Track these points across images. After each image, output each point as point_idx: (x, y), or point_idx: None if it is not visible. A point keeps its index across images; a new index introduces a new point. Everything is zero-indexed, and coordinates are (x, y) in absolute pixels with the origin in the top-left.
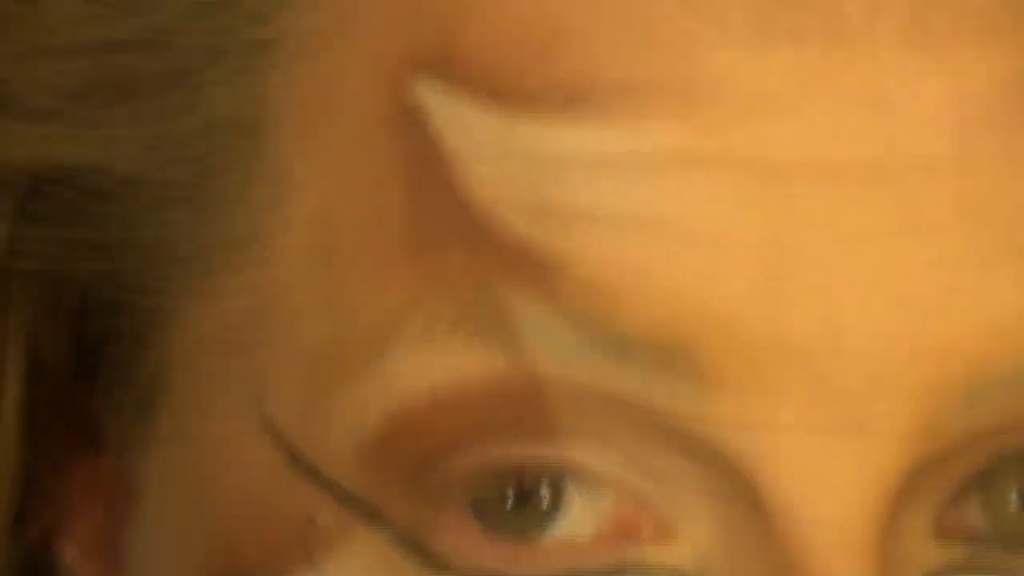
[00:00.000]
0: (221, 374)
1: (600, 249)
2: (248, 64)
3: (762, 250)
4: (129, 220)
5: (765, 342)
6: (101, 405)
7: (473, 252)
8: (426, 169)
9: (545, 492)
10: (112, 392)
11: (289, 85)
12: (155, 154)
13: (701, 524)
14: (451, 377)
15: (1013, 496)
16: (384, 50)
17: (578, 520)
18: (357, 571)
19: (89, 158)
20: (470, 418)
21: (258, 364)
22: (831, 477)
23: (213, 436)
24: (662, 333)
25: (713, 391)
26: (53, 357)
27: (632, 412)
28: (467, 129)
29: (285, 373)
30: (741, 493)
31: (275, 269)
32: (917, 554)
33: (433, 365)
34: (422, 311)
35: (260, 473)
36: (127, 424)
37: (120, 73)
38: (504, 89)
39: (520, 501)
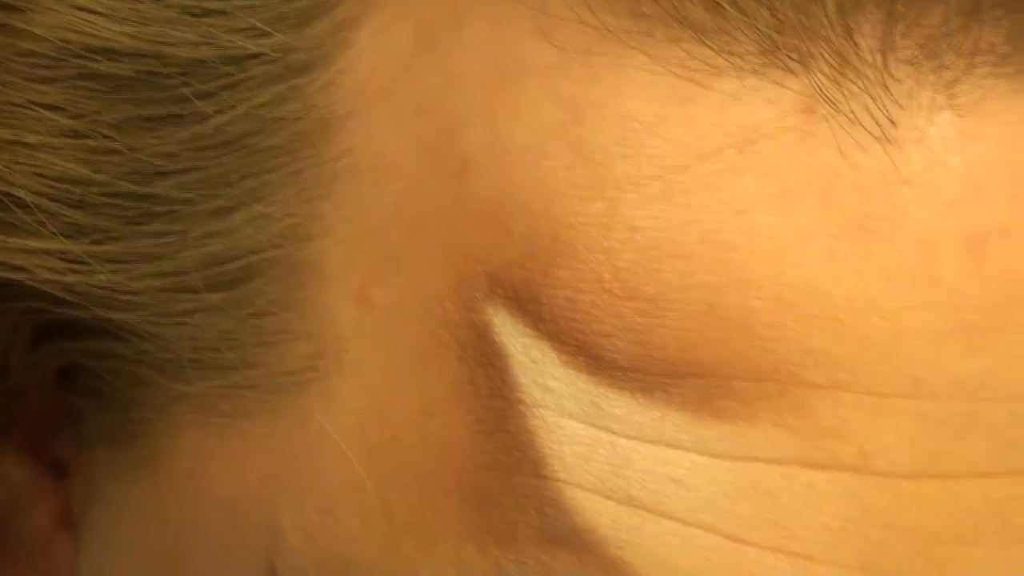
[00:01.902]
0: (231, 501)
1: (683, 561)
2: (304, 183)
3: (854, 572)
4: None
5: None
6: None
7: (542, 538)
8: (495, 410)
9: None
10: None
11: (349, 229)
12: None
13: None
14: None
15: None
16: (464, 249)
17: None
18: None
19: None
20: None
21: (279, 522)
22: None
23: (207, 546)
24: None
25: None
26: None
27: None
28: (547, 382)
29: (306, 552)
30: None
31: (311, 443)
32: None
33: None
34: (476, 574)
35: None
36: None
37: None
38: (595, 347)
39: None
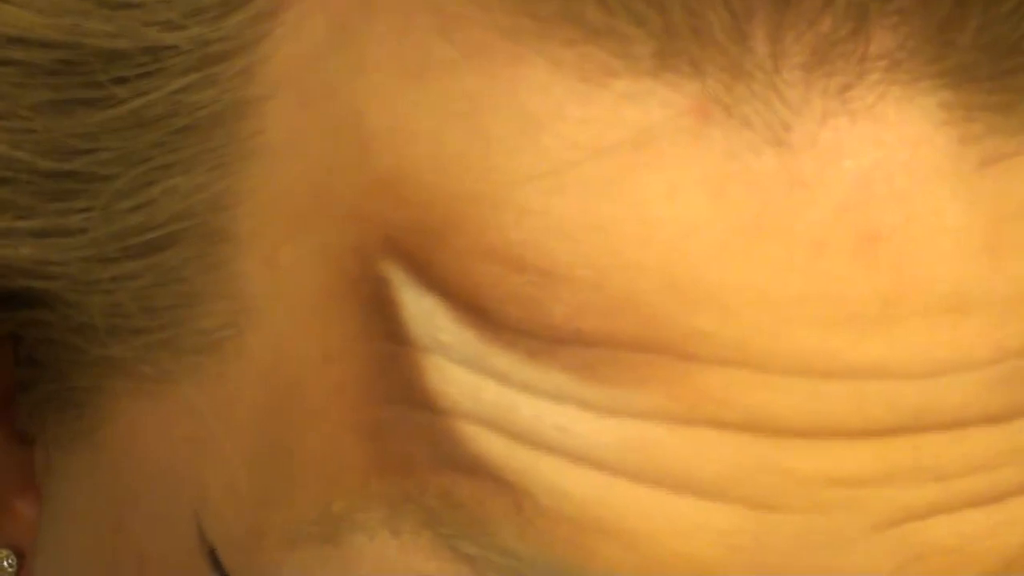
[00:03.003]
0: (159, 466)
1: (575, 491)
2: (219, 159)
3: (747, 508)
4: (71, 312)
5: None
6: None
7: (443, 468)
8: (388, 354)
9: None
10: (40, 414)
11: (260, 200)
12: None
13: None
14: (414, 575)
15: None
16: (365, 212)
17: None
18: None
19: (30, 256)
20: None
21: (202, 481)
22: None
23: (141, 512)
24: None
25: None
26: None
27: None
28: (437, 333)
29: (229, 505)
30: None
31: (230, 397)
32: None
33: (395, 561)
34: (384, 508)
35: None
36: (51, 440)
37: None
38: (484, 309)
39: None
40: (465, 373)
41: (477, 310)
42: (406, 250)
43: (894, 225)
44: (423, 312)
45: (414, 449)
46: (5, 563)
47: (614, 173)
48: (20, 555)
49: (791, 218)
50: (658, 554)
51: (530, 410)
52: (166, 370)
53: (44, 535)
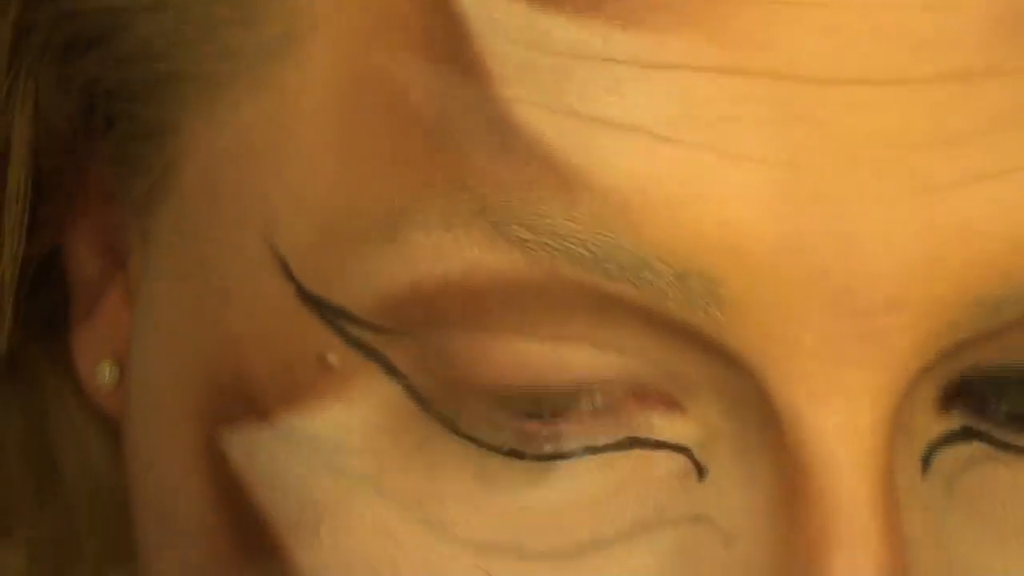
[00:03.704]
0: (232, 193)
1: (622, 162)
2: None
3: (783, 169)
4: (139, 32)
5: (784, 267)
6: (111, 181)
7: (496, 153)
8: (448, 48)
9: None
10: (121, 175)
11: None
12: None
13: (711, 408)
14: (467, 266)
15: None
16: None
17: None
18: (365, 417)
19: None
20: (480, 307)
21: (270, 197)
22: (843, 385)
23: (220, 247)
24: (682, 260)
25: (731, 313)
26: (61, 125)
27: (646, 317)
28: (493, 14)
29: (297, 215)
30: (751, 391)
31: (292, 107)
32: (924, 428)
33: (450, 253)
34: (441, 199)
35: (269, 299)
36: (133, 208)
37: None
38: None
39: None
40: (520, 50)
41: None
42: None
43: None
44: None
45: (469, 135)
46: (107, 372)
47: None
48: (121, 366)
49: None
50: (700, 222)
51: (581, 74)
52: (229, 90)
53: (136, 336)
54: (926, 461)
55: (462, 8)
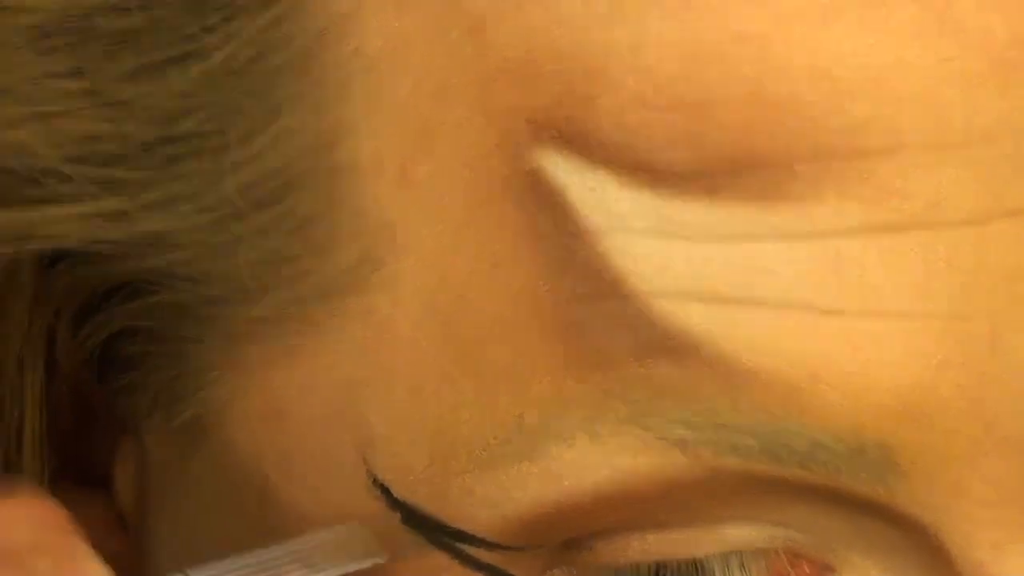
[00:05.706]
0: (309, 430)
1: (783, 343)
2: (321, 92)
3: (949, 321)
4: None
5: (963, 421)
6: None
7: (640, 351)
8: (562, 246)
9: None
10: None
11: (376, 123)
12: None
13: (867, 562)
14: (620, 475)
15: None
16: (498, 104)
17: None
18: None
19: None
20: (634, 511)
21: (365, 424)
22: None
23: (296, 480)
24: (858, 434)
25: (903, 475)
26: (70, 357)
27: (812, 492)
28: (610, 206)
29: (400, 441)
30: (911, 544)
31: (383, 332)
32: None
33: (598, 464)
34: (581, 409)
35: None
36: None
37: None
38: (651, 163)
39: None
40: (650, 242)
41: (644, 166)
42: (554, 129)
43: None
44: (589, 189)
45: (611, 341)
46: None
47: None
48: None
49: None
50: (874, 392)
51: (723, 258)
52: (311, 321)
53: (164, 542)
54: None
55: (575, 208)
